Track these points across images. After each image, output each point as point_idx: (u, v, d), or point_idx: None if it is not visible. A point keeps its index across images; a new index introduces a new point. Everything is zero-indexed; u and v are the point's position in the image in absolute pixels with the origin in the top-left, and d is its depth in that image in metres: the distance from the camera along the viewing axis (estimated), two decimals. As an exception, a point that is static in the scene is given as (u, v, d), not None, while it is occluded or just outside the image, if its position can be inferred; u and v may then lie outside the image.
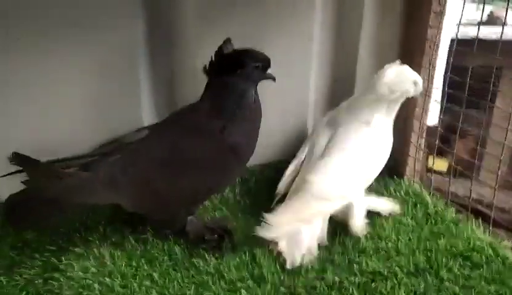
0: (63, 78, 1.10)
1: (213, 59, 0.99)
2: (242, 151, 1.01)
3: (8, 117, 1.11)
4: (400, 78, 1.10)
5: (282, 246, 1.02)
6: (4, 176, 0.95)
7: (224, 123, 0.99)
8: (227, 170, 1.03)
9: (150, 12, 1.14)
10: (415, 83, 1.10)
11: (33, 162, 0.96)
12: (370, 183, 1.16)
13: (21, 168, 0.98)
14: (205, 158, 1.00)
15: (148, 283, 0.94)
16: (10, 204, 0.98)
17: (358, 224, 1.08)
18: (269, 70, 1.02)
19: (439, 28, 1.20)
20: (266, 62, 1.01)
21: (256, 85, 1.02)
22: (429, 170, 1.42)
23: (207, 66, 1.00)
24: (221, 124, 0.99)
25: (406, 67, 1.12)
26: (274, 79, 1.03)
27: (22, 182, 0.97)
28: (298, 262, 1.00)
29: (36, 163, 0.96)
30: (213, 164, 1.01)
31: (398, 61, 1.12)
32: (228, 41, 0.99)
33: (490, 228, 1.14)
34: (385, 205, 1.17)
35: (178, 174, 0.99)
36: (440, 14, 1.19)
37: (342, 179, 1.09)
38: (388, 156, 1.16)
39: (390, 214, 1.16)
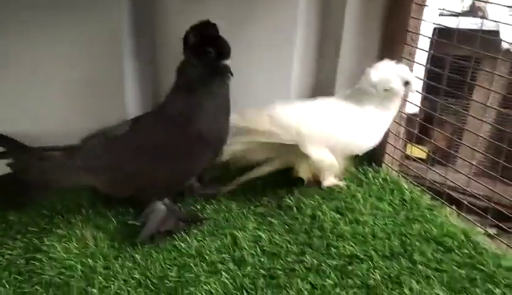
0: (45, 64, 1.10)
1: (184, 37, 0.98)
2: (208, 136, 1.01)
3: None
4: (386, 76, 1.14)
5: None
6: None
7: (182, 106, 0.99)
8: (193, 155, 1.04)
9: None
10: (407, 83, 1.14)
11: (18, 144, 1.00)
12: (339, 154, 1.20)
13: (4, 150, 1.01)
14: (170, 144, 1.02)
15: (130, 264, 0.96)
16: None
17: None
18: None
19: (420, 19, 1.23)
20: (221, 50, 0.97)
21: (220, 74, 0.99)
22: (409, 157, 1.45)
23: (184, 39, 0.98)
24: (180, 107, 1.00)
25: (396, 66, 1.15)
26: (231, 73, 0.99)
27: (7, 164, 0.99)
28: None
29: (21, 145, 1.00)
30: (178, 149, 1.02)
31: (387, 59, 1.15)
32: (208, 23, 0.96)
33: (463, 214, 1.18)
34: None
35: (147, 160, 1.02)
36: (423, 5, 1.21)
37: (308, 118, 1.14)
38: (368, 145, 1.20)
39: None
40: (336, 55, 1.32)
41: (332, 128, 1.16)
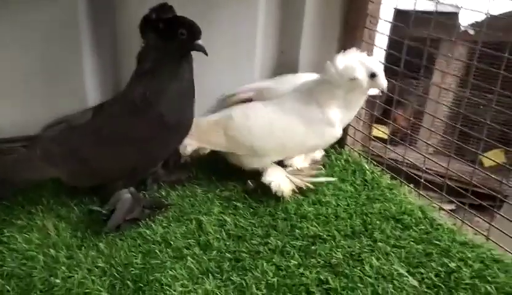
0: (3, 46, 1.06)
1: (142, 22, 0.96)
2: (171, 121, 1.00)
3: None
4: (351, 65, 1.10)
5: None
6: None
7: (145, 90, 0.98)
8: (157, 141, 1.03)
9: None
10: (372, 75, 1.10)
11: None
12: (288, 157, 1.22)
13: None
14: (133, 130, 1.01)
15: (94, 253, 0.95)
16: None
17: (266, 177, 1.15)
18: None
19: (379, 3, 1.25)
20: (193, 31, 0.97)
21: (186, 55, 0.99)
22: (372, 138, 1.49)
23: (141, 22, 0.97)
24: (142, 91, 0.98)
25: (362, 56, 1.12)
26: (205, 53, 0.99)
27: None
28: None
29: None
30: (141, 136, 1.01)
31: (355, 49, 1.13)
32: (165, 6, 0.95)
33: (420, 191, 1.23)
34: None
35: (109, 148, 1.02)
36: (381, -11, 1.24)
37: (259, 132, 1.15)
38: (318, 148, 1.23)
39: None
40: (297, 43, 1.33)
41: (285, 139, 1.17)
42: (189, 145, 1.17)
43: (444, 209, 1.18)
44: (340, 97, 1.14)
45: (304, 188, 1.18)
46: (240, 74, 1.30)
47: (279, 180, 1.15)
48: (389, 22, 1.28)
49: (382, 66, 1.15)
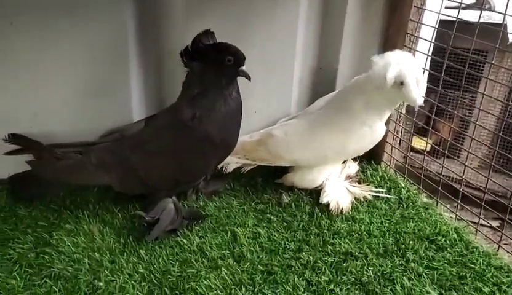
0: (54, 66, 1.14)
1: (189, 47, 1.02)
2: (215, 138, 1.05)
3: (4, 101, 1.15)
4: (387, 63, 1.05)
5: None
6: (7, 154, 1.09)
7: (194, 111, 1.04)
8: (199, 156, 1.08)
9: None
10: (401, 83, 1.04)
11: (35, 143, 1.06)
12: (333, 164, 1.25)
13: (20, 148, 1.10)
14: (177, 145, 1.07)
15: (134, 259, 1.01)
16: (15, 181, 1.16)
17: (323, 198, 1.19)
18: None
19: (419, 21, 1.25)
20: (238, 58, 1.02)
21: (232, 79, 1.04)
22: (413, 149, 1.47)
23: (183, 53, 1.02)
24: (192, 112, 1.04)
25: (406, 59, 1.06)
26: (249, 78, 1.05)
27: (27, 162, 1.09)
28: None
29: (38, 144, 1.06)
30: (184, 150, 1.06)
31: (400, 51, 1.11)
32: (208, 32, 1.02)
33: (458, 205, 1.20)
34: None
35: (154, 158, 1.08)
36: (421, 8, 1.23)
37: (298, 145, 1.20)
38: (361, 151, 1.24)
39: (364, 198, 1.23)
40: (335, 62, 1.35)
41: (324, 148, 1.20)
42: (234, 163, 1.23)
43: (487, 226, 1.13)
44: (374, 99, 1.12)
45: (363, 199, 1.21)
46: (278, 91, 1.33)
47: (337, 198, 1.19)
48: (430, 41, 1.26)
49: (422, 77, 1.07)
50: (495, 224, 1.17)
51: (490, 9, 1.79)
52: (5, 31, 1.07)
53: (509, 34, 1.75)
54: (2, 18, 1.05)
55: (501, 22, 1.13)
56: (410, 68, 1.05)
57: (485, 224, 1.16)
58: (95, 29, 1.12)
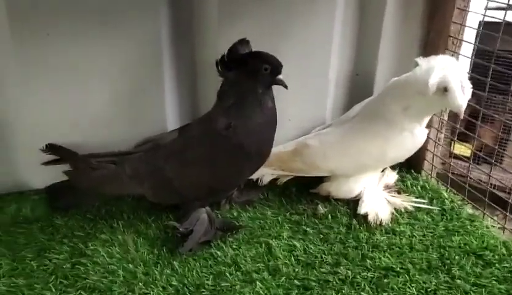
0: (90, 75, 1.14)
1: (225, 57, 1.00)
2: (250, 148, 1.03)
3: (37, 110, 1.16)
4: (431, 68, 1.01)
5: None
6: (44, 164, 1.11)
7: (229, 120, 1.02)
8: (234, 166, 1.06)
9: (174, 8, 1.16)
10: (445, 89, 0.99)
11: (71, 154, 1.08)
12: (372, 173, 1.21)
13: (56, 158, 1.12)
14: (211, 155, 1.05)
15: (168, 271, 0.99)
16: (52, 190, 1.18)
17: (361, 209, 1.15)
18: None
19: (462, 24, 1.19)
20: (275, 66, 1.00)
21: (268, 88, 1.02)
22: (454, 156, 1.41)
23: (218, 62, 1.01)
24: (227, 122, 1.02)
25: (451, 64, 1.02)
26: (285, 86, 1.03)
27: (64, 172, 1.10)
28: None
29: (74, 154, 1.09)
30: (219, 160, 1.05)
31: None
32: (243, 41, 1.00)
33: (506, 217, 1.13)
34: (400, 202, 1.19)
35: (188, 168, 1.06)
36: (464, 10, 1.17)
37: (335, 154, 1.16)
38: (402, 158, 1.19)
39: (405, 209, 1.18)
40: (373, 67, 1.31)
41: (362, 157, 1.16)
42: (269, 174, 1.21)
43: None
44: (415, 104, 1.07)
45: (403, 210, 1.17)
46: (312, 98, 1.30)
47: (375, 209, 1.15)
48: (474, 44, 1.20)
49: (467, 82, 1.02)
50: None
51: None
52: (42, 43, 1.08)
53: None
54: (40, 30, 1.07)
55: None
56: (454, 73, 1.00)
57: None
58: (129, 35, 1.12)
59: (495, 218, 1.18)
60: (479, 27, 1.27)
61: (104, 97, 1.18)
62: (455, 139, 1.30)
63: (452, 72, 1.00)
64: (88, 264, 1.01)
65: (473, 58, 1.17)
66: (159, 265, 1.01)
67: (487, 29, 1.16)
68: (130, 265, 1.00)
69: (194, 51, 1.21)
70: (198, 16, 1.17)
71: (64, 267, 1.00)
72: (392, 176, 1.28)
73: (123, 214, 1.17)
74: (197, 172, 1.07)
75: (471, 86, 1.03)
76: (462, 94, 1.00)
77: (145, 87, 1.19)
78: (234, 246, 1.06)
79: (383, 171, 1.26)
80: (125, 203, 1.20)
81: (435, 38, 1.24)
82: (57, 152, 1.12)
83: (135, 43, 1.13)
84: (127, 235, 1.09)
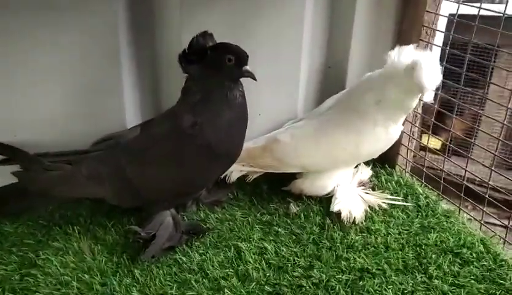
0: (43, 71, 1.05)
1: (186, 50, 0.93)
2: (218, 148, 0.96)
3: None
4: (402, 51, 1.00)
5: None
6: None
7: (195, 118, 0.94)
8: (201, 167, 0.99)
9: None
10: (414, 64, 0.96)
11: (21, 153, 1.01)
12: (345, 169, 1.17)
13: (5, 158, 1.03)
14: (176, 154, 0.97)
15: (128, 280, 0.91)
16: (1, 193, 1.05)
17: (334, 206, 1.10)
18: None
19: (436, 13, 1.15)
20: (240, 56, 0.93)
21: (236, 82, 0.95)
22: (423, 149, 1.37)
23: (180, 56, 0.94)
24: (193, 119, 0.94)
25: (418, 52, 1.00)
26: (254, 78, 0.95)
27: (12, 173, 0.99)
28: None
29: (24, 154, 1.01)
30: (184, 160, 0.97)
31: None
32: (205, 33, 0.93)
33: (484, 208, 1.11)
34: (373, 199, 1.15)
35: (151, 168, 0.98)
36: (438, -1, 1.13)
37: (307, 149, 1.12)
38: (375, 153, 1.15)
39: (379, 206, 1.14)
40: (345, 58, 1.26)
41: (335, 152, 1.12)
42: (238, 171, 1.15)
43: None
44: (387, 95, 1.04)
45: (378, 208, 1.13)
46: (283, 91, 1.24)
47: (349, 206, 1.10)
48: (450, 34, 1.16)
49: (437, 66, 0.98)
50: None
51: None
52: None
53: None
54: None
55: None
56: (425, 56, 0.98)
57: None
58: (82, 29, 1.03)
59: (466, 210, 1.15)
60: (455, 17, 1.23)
61: (57, 93, 1.08)
62: (430, 132, 1.26)
63: (422, 54, 0.99)
64: (39, 275, 0.92)
65: (448, 48, 1.14)
66: (118, 274, 0.93)
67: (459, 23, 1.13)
68: (85, 275, 0.92)
69: (154, 45, 1.13)
70: (159, 6, 1.09)
71: (12, 279, 0.92)
72: (366, 172, 1.23)
73: (79, 218, 1.08)
74: (161, 172, 0.99)
75: (441, 76, 0.99)
76: (429, 75, 0.96)
77: (101, 82, 1.10)
78: (201, 251, 0.99)
79: (356, 167, 1.21)
80: (82, 207, 1.11)
81: (408, 28, 1.20)
82: (5, 152, 1.02)
83: (89, 37, 1.04)
84: (83, 242, 1.01)
